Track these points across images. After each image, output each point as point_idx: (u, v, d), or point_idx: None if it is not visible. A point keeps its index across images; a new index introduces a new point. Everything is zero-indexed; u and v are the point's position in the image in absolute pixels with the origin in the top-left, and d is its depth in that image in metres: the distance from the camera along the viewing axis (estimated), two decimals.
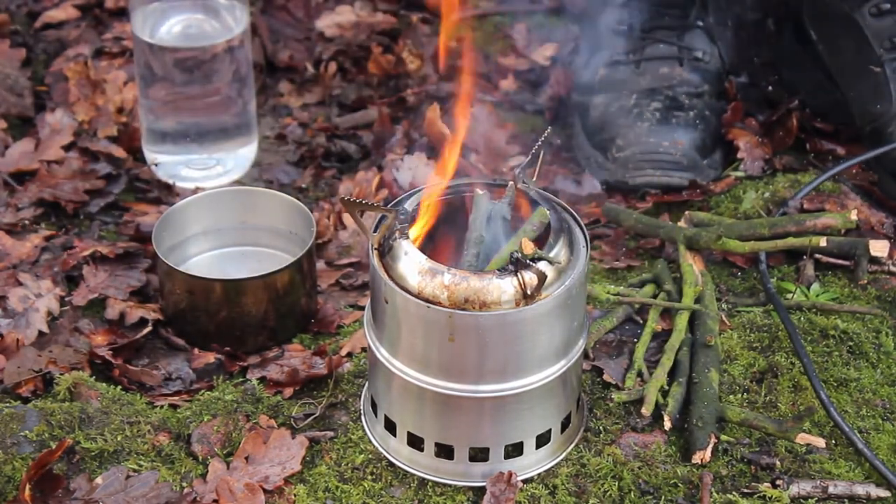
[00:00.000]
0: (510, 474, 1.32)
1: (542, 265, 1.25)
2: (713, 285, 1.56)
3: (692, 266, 1.56)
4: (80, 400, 1.42)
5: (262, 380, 1.48)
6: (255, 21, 1.99)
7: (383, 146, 1.84)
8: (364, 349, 1.49)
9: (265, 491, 1.32)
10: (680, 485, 1.35)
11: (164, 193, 1.76)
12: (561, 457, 1.37)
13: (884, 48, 1.73)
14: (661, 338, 1.50)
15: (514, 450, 1.33)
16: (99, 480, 1.33)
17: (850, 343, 1.49)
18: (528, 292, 1.24)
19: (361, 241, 1.69)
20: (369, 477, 1.35)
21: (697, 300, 1.52)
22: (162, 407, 1.45)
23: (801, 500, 1.34)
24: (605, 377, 1.45)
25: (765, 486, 1.34)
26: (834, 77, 1.81)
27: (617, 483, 1.35)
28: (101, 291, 1.58)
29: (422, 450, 1.34)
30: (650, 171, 1.73)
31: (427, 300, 1.25)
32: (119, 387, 1.47)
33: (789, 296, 1.55)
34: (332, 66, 1.97)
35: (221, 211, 1.62)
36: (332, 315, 1.58)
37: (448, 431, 1.32)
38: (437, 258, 1.27)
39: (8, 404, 1.41)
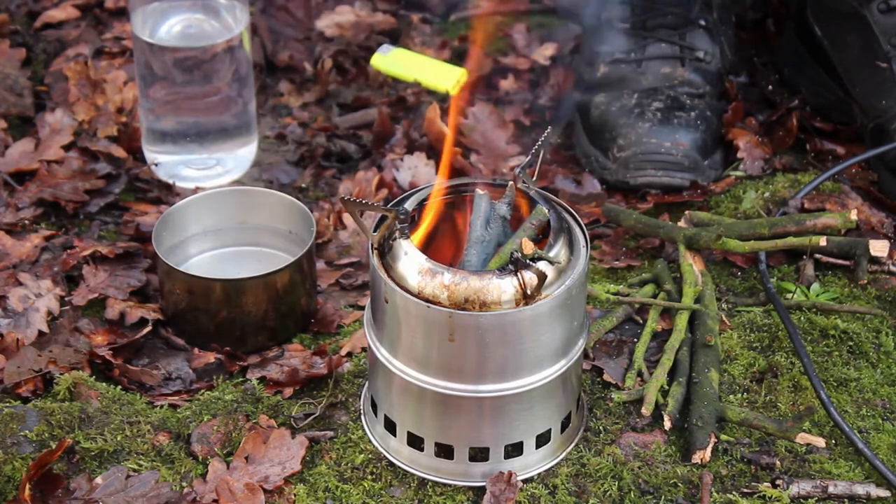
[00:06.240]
0: (510, 474, 1.32)
1: (542, 265, 1.25)
2: (713, 285, 1.55)
3: (692, 266, 1.56)
4: (80, 400, 1.42)
5: (262, 380, 1.48)
6: (255, 21, 1.99)
7: (383, 146, 1.84)
8: (364, 349, 1.49)
9: (265, 491, 1.32)
10: (680, 485, 1.34)
11: (164, 193, 1.75)
12: (561, 457, 1.36)
13: (891, 44, 1.73)
14: (661, 338, 1.50)
15: (514, 450, 1.33)
16: (99, 480, 1.33)
17: (850, 343, 1.49)
18: (528, 292, 1.24)
19: (361, 241, 1.69)
20: (369, 477, 1.35)
21: (697, 300, 1.52)
22: (162, 407, 1.45)
23: (801, 500, 1.34)
24: (605, 377, 1.45)
25: (765, 486, 1.34)
26: (838, 74, 1.81)
27: (617, 483, 1.34)
28: (101, 291, 1.58)
29: (422, 450, 1.34)
30: (652, 172, 1.73)
31: (427, 300, 1.25)
32: (119, 387, 1.47)
33: (789, 296, 1.55)
34: (331, 66, 1.97)
35: (221, 211, 1.62)
36: (332, 315, 1.58)
37: (448, 431, 1.32)
38: (437, 258, 1.27)
39: (8, 404, 1.41)
